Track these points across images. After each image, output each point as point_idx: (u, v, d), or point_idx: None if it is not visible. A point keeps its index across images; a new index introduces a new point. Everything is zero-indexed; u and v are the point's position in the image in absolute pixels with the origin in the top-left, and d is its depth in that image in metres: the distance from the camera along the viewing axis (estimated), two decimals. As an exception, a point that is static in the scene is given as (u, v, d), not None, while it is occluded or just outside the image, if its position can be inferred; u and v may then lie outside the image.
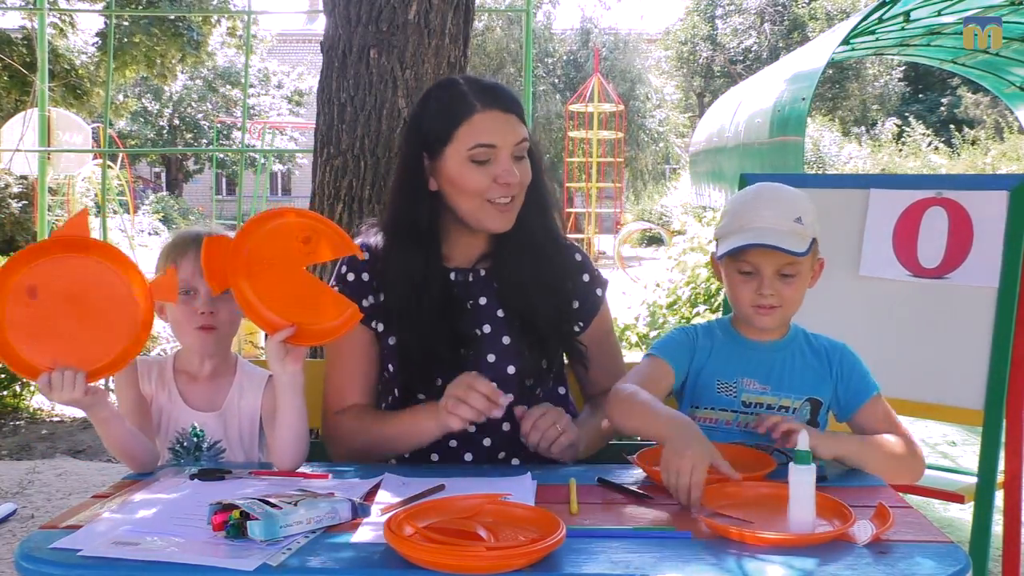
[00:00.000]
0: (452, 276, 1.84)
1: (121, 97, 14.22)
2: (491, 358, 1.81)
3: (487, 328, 1.82)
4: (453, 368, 1.74)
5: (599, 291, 1.95)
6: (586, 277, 1.93)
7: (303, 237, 1.59)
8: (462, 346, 1.79)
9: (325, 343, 1.67)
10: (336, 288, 1.83)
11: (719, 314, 5.16)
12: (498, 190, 1.73)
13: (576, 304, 1.90)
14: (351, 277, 1.86)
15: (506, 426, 1.80)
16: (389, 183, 2.67)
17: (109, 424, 1.67)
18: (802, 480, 1.34)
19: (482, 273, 1.85)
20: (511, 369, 1.81)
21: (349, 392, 1.85)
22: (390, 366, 1.86)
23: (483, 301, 1.83)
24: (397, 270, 1.81)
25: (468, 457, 1.81)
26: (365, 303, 1.83)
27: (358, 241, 1.86)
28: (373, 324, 1.84)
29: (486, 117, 1.73)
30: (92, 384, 1.59)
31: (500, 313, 1.83)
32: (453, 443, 1.80)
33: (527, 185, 1.79)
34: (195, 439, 1.84)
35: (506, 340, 1.82)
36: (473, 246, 1.85)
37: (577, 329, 1.91)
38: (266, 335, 1.65)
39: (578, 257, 1.94)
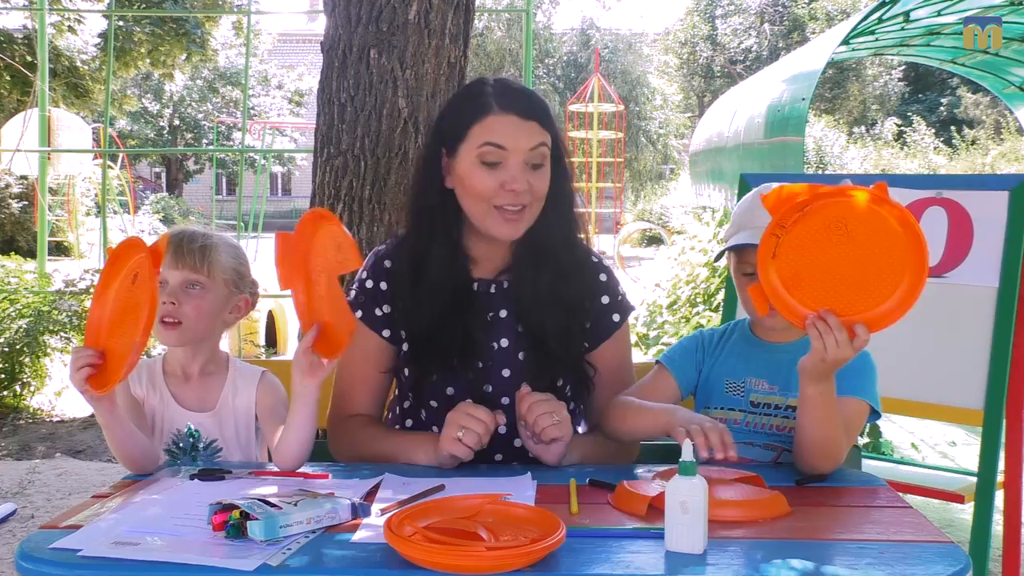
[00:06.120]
0: (475, 286, 1.79)
1: (121, 91, 14.17)
2: (506, 373, 1.78)
3: (504, 342, 1.78)
4: (465, 378, 1.73)
5: (616, 316, 1.84)
6: (605, 299, 1.84)
7: (335, 244, 1.56)
8: (473, 355, 1.75)
9: (338, 356, 1.61)
10: (354, 292, 1.83)
11: (719, 314, 5.16)
12: (505, 196, 1.66)
13: (588, 324, 1.83)
14: (370, 284, 1.83)
15: (517, 442, 1.77)
16: (389, 183, 2.69)
17: (111, 427, 1.66)
18: (692, 494, 1.23)
19: (505, 285, 1.81)
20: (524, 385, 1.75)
21: (354, 400, 1.83)
22: (406, 370, 1.83)
23: (503, 314, 1.79)
24: (416, 265, 1.77)
25: (499, 458, 1.78)
26: (378, 311, 1.81)
27: (383, 248, 1.87)
28: (384, 333, 1.81)
29: (500, 119, 1.67)
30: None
31: (519, 328, 1.79)
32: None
33: (542, 196, 1.71)
34: (191, 439, 1.84)
35: (522, 356, 1.78)
36: (496, 256, 1.79)
37: (583, 348, 1.83)
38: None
39: (603, 277, 1.86)
